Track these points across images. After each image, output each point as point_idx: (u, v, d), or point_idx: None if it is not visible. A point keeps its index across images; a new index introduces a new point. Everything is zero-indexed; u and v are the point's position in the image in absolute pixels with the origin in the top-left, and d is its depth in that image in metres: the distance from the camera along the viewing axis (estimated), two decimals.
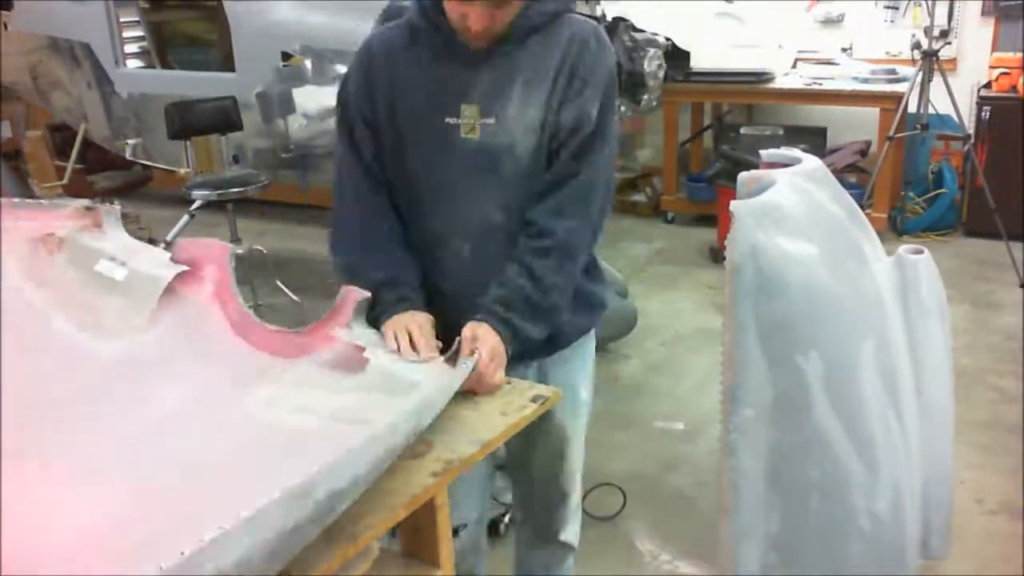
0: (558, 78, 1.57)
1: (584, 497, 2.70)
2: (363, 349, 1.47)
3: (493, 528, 2.52)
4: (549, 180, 1.60)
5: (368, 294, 1.55)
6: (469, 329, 1.52)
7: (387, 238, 1.67)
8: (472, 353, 1.47)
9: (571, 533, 2.02)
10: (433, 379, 1.41)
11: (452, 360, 1.45)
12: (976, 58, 5.32)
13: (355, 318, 1.54)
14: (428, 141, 1.61)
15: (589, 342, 1.84)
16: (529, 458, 1.89)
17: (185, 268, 1.59)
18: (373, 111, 1.65)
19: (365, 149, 1.68)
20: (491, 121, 1.57)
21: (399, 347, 1.50)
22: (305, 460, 1.04)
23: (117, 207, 1.68)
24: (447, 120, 1.58)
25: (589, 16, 3.62)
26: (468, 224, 1.63)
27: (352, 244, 1.72)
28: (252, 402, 1.41)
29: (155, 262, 1.59)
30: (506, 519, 2.56)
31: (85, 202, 1.65)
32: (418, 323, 1.56)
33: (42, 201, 1.65)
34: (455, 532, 1.81)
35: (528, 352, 1.65)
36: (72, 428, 1.33)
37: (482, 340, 1.50)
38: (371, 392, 1.40)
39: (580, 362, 1.82)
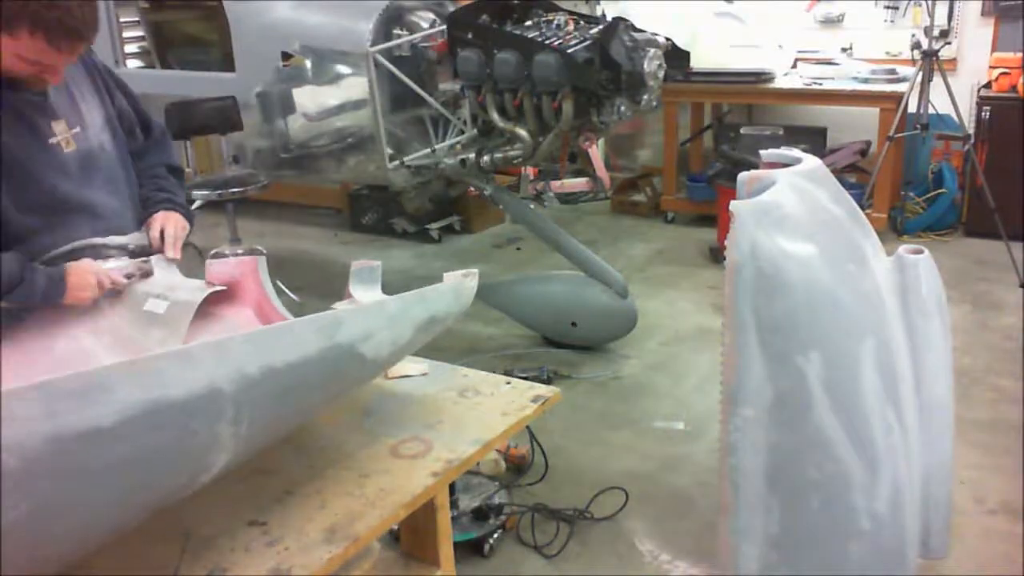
0: (94, 78, 1.80)
1: (590, 501, 2.71)
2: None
3: (478, 548, 2.49)
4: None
5: (375, 262, 1.59)
6: (162, 216, 1.79)
7: None
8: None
9: None
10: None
11: None
12: (976, 58, 5.32)
13: (359, 285, 1.55)
14: (37, 167, 1.63)
15: None
16: None
17: (221, 289, 1.60)
18: None
19: None
20: (78, 130, 1.69)
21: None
22: None
23: (176, 255, 1.78)
24: (50, 141, 1.64)
25: (589, 16, 3.62)
26: (108, 226, 1.71)
27: None
28: None
29: (192, 289, 1.61)
30: (492, 538, 2.52)
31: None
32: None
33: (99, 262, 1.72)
34: None
35: None
36: None
37: (174, 220, 1.80)
38: None
39: None
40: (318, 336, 1.12)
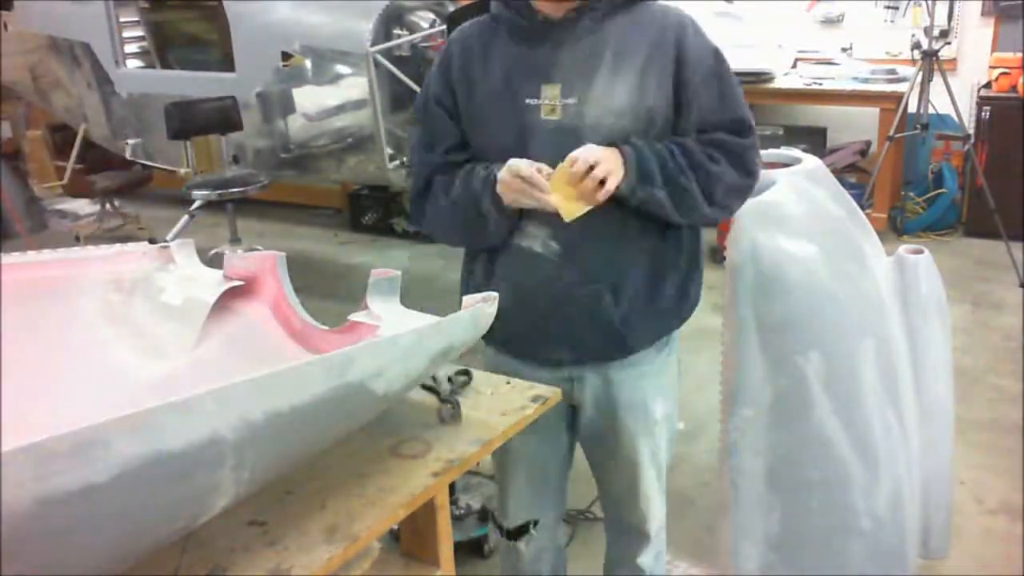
0: (650, 63, 1.52)
1: (591, 503, 2.71)
2: (375, 328, 1.46)
3: (478, 548, 2.48)
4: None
5: (394, 272, 1.52)
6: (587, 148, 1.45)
7: None
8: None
9: (649, 558, 1.86)
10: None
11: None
12: (976, 58, 5.32)
13: (377, 296, 1.52)
14: (506, 123, 1.56)
15: (667, 348, 1.70)
16: (606, 475, 1.81)
17: (238, 284, 1.60)
18: (453, 100, 1.62)
19: (440, 142, 1.64)
20: (573, 101, 1.52)
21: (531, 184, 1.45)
22: None
23: (190, 242, 1.70)
24: (527, 101, 1.54)
25: None
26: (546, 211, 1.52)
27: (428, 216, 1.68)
28: None
29: (209, 283, 1.60)
30: (491, 540, 2.50)
31: (160, 245, 1.70)
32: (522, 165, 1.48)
33: (117, 245, 1.68)
34: (523, 531, 1.81)
35: (589, 354, 1.61)
36: None
37: (594, 152, 1.44)
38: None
39: (654, 374, 1.68)
40: (327, 376, 1.08)
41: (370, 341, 1.23)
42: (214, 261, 1.71)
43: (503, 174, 1.50)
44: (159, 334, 1.57)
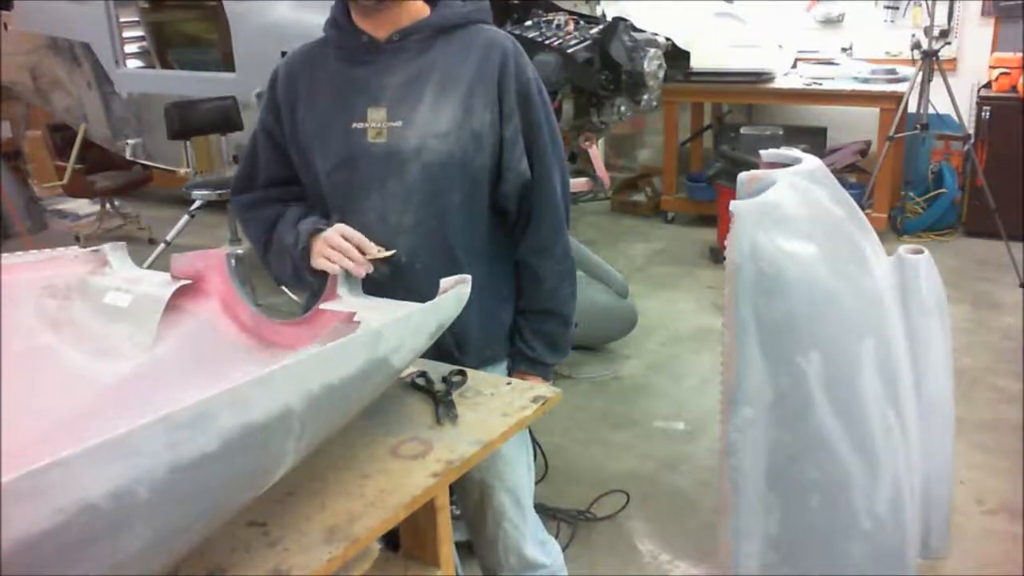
0: (475, 88, 1.54)
1: (591, 503, 2.71)
2: (353, 315, 1.47)
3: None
4: (511, 204, 1.63)
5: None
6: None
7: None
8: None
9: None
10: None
11: None
12: (976, 58, 5.32)
13: (344, 287, 1.55)
14: (334, 147, 1.56)
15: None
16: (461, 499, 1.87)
17: (187, 283, 1.60)
18: (279, 125, 1.64)
19: (260, 174, 1.72)
20: (398, 124, 1.53)
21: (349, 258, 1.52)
22: None
23: (122, 244, 1.70)
24: (353, 125, 1.54)
25: (589, 16, 3.63)
26: (380, 232, 1.56)
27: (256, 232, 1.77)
28: None
29: (157, 283, 1.61)
30: None
31: (91, 248, 1.69)
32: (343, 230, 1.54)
33: (47, 251, 1.67)
34: None
35: None
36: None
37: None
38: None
39: None
40: (364, 350, 1.18)
41: (394, 318, 1.28)
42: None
43: (331, 233, 1.53)
44: (110, 335, 1.55)
